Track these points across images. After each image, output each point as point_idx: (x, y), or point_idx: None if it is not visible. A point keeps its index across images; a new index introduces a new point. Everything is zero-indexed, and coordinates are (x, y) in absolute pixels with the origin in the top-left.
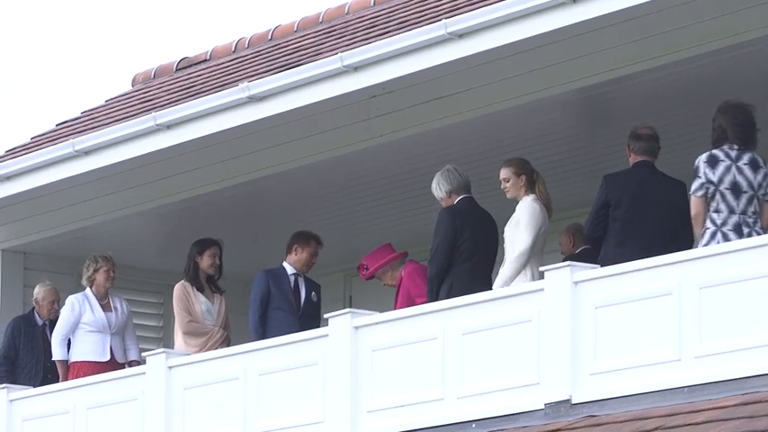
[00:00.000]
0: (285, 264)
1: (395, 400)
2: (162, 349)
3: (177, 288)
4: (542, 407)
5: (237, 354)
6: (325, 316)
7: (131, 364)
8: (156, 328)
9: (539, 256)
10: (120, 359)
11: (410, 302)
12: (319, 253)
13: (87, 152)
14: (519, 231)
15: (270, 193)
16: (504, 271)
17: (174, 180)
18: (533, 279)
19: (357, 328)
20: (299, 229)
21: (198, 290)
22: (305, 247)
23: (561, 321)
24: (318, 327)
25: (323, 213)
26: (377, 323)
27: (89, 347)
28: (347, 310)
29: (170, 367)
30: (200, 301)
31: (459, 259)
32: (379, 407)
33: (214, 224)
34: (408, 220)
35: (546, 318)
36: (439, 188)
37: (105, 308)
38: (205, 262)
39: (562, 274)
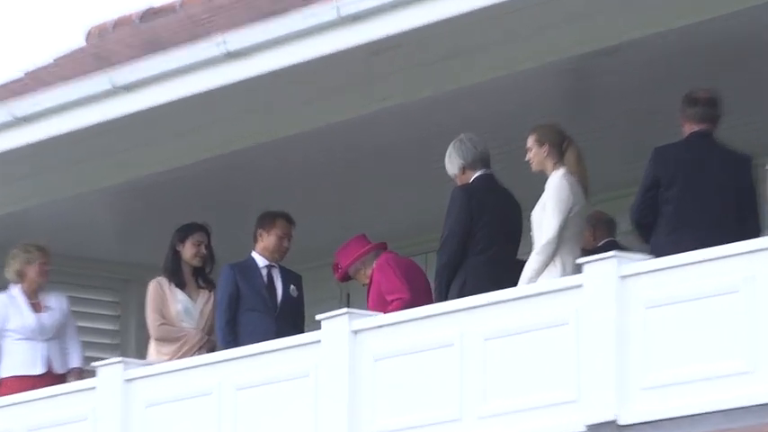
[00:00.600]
0: (254, 254)
1: (402, 421)
2: (118, 358)
3: (150, 286)
4: (583, 429)
5: (211, 364)
6: (318, 318)
7: (73, 373)
8: (111, 332)
9: (573, 243)
10: (59, 369)
11: (382, 302)
12: (292, 234)
13: (28, 119)
14: (546, 215)
15: (252, 169)
16: (530, 264)
17: (135, 152)
18: (565, 272)
19: (356, 332)
20: (286, 212)
21: (177, 286)
22: (270, 230)
23: (605, 324)
24: (301, 327)
25: (316, 193)
26: (380, 326)
27: (19, 359)
28: (344, 310)
29: (128, 380)
30: (178, 300)
31: (475, 250)
32: (384, 429)
33: (185, 206)
34: (419, 201)
35: (586, 319)
36: (451, 163)
37: (36, 308)
38: (188, 251)
39: (605, 267)
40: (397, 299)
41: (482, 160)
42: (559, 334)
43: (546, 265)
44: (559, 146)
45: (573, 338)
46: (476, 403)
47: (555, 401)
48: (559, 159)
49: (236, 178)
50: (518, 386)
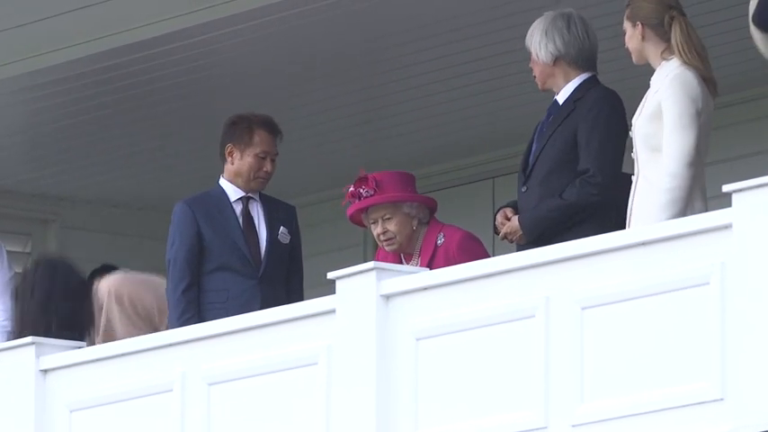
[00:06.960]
0: (223, 181)
1: (455, 429)
2: (29, 338)
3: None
4: None
5: (169, 346)
6: (331, 275)
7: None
8: None
9: (701, 177)
10: None
11: None
12: (277, 148)
13: None
14: (667, 130)
15: (225, 54)
16: (656, 211)
17: (54, 26)
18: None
19: (388, 297)
20: (269, 116)
21: None
22: (247, 145)
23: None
24: (299, 291)
25: (326, 96)
26: (424, 288)
27: None
28: (370, 264)
29: (44, 371)
30: None
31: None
32: None
33: (125, 110)
34: (486, 114)
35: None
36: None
37: None
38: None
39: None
40: None
41: (589, 55)
42: (700, 295)
43: (681, 210)
44: (660, 21)
45: (717, 298)
46: (568, 404)
47: (700, 399)
48: (667, 42)
49: (203, 69)
50: (635, 376)
